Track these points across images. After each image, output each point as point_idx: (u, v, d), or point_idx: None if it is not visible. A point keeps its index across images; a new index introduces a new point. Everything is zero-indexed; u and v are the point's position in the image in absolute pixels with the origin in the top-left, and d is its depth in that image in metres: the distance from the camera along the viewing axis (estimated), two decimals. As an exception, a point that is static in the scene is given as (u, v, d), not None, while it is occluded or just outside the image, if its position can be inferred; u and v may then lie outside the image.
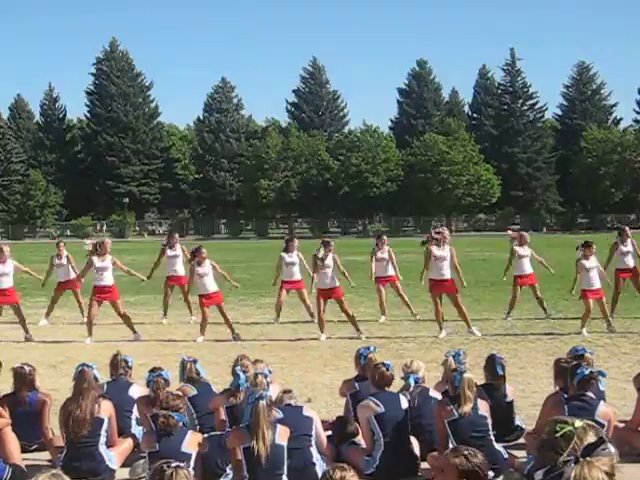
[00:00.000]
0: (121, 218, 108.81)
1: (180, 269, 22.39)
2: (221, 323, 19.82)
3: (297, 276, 21.66)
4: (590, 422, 3.00)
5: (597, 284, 19.20)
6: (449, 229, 19.42)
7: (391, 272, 21.83)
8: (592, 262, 19.21)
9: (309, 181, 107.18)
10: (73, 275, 22.36)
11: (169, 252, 22.39)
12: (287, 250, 21.68)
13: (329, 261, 19.24)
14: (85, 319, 21.28)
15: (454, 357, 10.46)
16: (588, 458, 2.82)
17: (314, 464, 8.86)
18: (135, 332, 19.35)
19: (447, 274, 19.04)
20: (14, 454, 8.29)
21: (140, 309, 24.38)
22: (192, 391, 10.13)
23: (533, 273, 21.86)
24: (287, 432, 8.35)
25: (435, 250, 18.99)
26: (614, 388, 12.46)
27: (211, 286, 19.33)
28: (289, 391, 9.56)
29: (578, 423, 2.92)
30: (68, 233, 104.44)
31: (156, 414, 8.62)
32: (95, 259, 19.40)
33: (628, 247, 21.41)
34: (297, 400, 9.49)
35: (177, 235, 23.53)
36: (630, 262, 21.38)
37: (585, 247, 19.46)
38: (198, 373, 10.54)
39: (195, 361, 10.67)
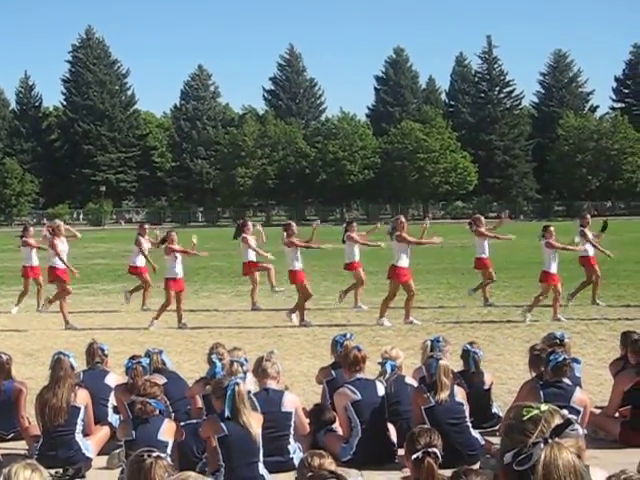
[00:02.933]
0: (98, 206, 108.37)
1: (140, 260, 22.31)
2: (196, 310, 19.82)
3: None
4: (555, 407, 3.04)
5: (555, 269, 19.15)
6: (426, 216, 19.34)
7: (356, 259, 21.72)
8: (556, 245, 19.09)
9: (286, 169, 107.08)
10: (37, 262, 22.35)
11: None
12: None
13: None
14: (42, 307, 21.40)
15: (435, 343, 10.49)
16: (557, 439, 2.86)
17: (291, 451, 8.89)
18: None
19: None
20: (-10, 443, 8.26)
21: (118, 297, 24.29)
22: (162, 379, 10.11)
23: (487, 257, 21.80)
24: (261, 419, 8.34)
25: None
26: (590, 374, 12.52)
27: (179, 270, 19.22)
28: (270, 356, 9.57)
29: (544, 407, 2.97)
30: (45, 221, 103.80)
31: (133, 401, 8.61)
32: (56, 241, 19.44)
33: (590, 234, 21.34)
34: (278, 366, 9.52)
35: (147, 226, 23.44)
36: (590, 250, 21.31)
37: (545, 231, 19.30)
38: (164, 363, 10.55)
39: (160, 352, 10.69)
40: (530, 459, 2.84)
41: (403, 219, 19.17)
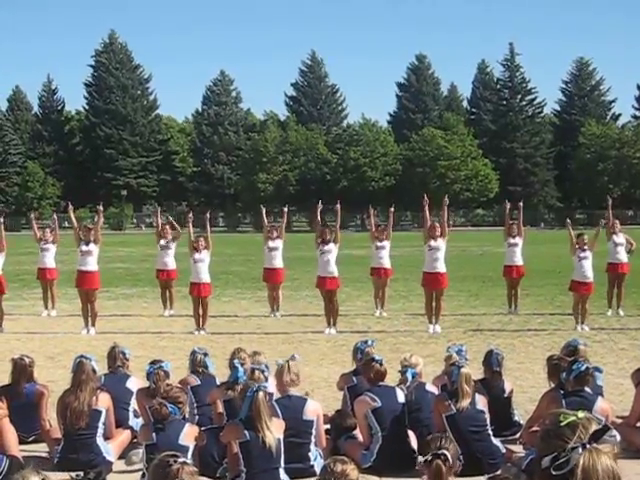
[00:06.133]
0: (119, 210, 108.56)
1: (170, 262, 22.24)
2: (217, 316, 19.85)
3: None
4: (591, 415, 3.05)
5: (590, 277, 19.15)
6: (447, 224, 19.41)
7: (388, 265, 21.73)
8: (586, 252, 19.12)
9: (307, 175, 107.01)
10: (53, 264, 22.40)
11: (162, 242, 22.24)
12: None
13: (329, 247, 19.38)
14: (53, 311, 21.43)
15: (457, 353, 10.46)
16: (595, 445, 2.87)
17: (311, 458, 8.88)
18: (93, 326, 19.23)
19: (441, 267, 18.96)
20: (12, 446, 8.27)
21: (137, 301, 24.40)
22: (195, 381, 10.19)
23: (522, 265, 21.73)
24: (282, 425, 8.33)
25: (432, 241, 19.00)
26: (612, 384, 12.48)
27: (204, 275, 19.29)
28: (291, 361, 9.50)
29: (581, 414, 2.98)
30: (66, 225, 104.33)
31: (154, 404, 8.61)
32: (82, 244, 19.42)
33: (620, 239, 21.30)
34: (298, 369, 9.49)
35: (169, 226, 23.32)
36: (622, 256, 21.27)
37: (577, 238, 19.38)
38: (206, 366, 10.55)
39: (206, 354, 10.70)
40: (568, 463, 2.85)
41: (437, 224, 19.47)
